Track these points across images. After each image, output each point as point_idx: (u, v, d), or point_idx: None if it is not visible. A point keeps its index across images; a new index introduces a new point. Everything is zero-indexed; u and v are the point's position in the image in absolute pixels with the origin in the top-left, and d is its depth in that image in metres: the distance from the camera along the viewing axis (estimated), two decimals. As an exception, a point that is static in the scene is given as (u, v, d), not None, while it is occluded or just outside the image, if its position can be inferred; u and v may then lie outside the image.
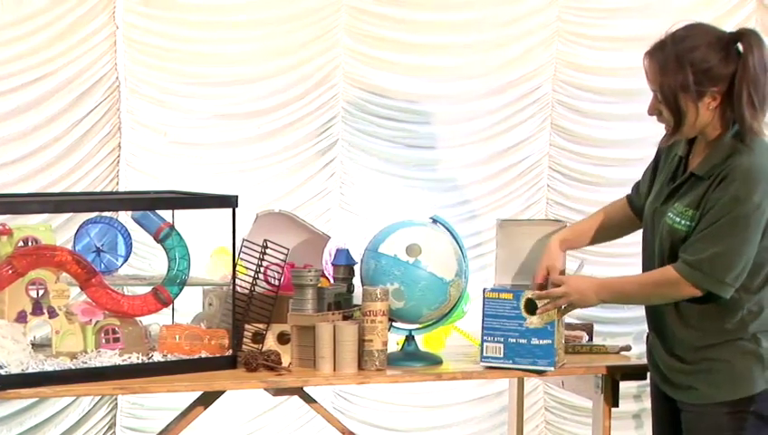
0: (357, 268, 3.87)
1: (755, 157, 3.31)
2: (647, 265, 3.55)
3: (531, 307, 3.63)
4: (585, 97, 5.52)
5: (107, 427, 5.09)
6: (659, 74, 3.33)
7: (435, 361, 3.82)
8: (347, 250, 3.91)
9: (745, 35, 3.33)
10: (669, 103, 3.33)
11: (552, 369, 3.64)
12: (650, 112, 3.42)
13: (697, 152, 3.45)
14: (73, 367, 3.48)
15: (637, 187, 3.70)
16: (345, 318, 3.75)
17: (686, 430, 3.46)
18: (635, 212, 3.69)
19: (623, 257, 5.49)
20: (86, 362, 3.51)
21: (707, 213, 3.31)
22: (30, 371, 3.41)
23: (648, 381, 3.82)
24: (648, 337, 3.63)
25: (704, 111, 3.33)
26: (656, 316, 3.52)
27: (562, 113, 5.50)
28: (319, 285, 3.75)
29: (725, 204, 3.28)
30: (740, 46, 3.32)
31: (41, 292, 3.57)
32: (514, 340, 3.64)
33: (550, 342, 3.61)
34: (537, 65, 5.46)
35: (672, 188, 3.45)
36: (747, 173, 3.28)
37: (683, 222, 3.36)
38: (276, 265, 3.79)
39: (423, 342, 4.01)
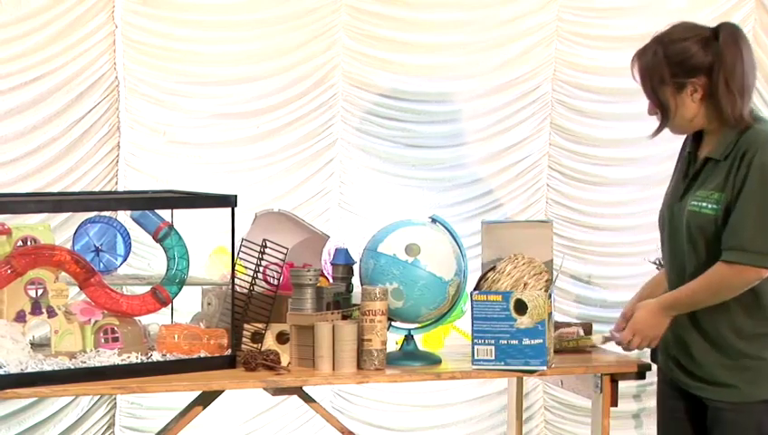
0: (356, 268, 3.87)
1: (766, 125, 3.39)
2: (676, 267, 3.52)
3: (520, 307, 3.62)
4: (585, 96, 5.52)
5: (106, 426, 5.09)
6: (642, 70, 3.46)
7: (434, 360, 3.82)
8: (346, 250, 3.91)
9: (724, 28, 3.44)
10: (652, 98, 3.45)
11: (545, 368, 3.63)
12: (649, 113, 3.52)
13: (706, 144, 3.50)
14: (72, 367, 3.48)
15: None
16: (344, 318, 3.75)
17: (721, 430, 3.42)
18: None
19: (626, 257, 5.50)
20: (85, 362, 3.51)
21: (740, 194, 3.32)
22: (29, 370, 3.41)
23: (646, 380, 3.82)
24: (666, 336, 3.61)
25: (688, 102, 3.42)
26: (692, 313, 3.48)
27: (562, 113, 5.49)
28: (318, 284, 3.75)
29: (752, 176, 3.31)
30: (717, 42, 3.41)
31: (40, 291, 3.57)
32: (506, 341, 3.63)
33: (541, 341, 3.61)
34: (536, 65, 5.46)
35: (689, 180, 3.49)
36: (764, 141, 3.33)
37: (709, 206, 3.38)
38: (275, 264, 3.78)
39: (422, 341, 4.01)
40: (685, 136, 3.62)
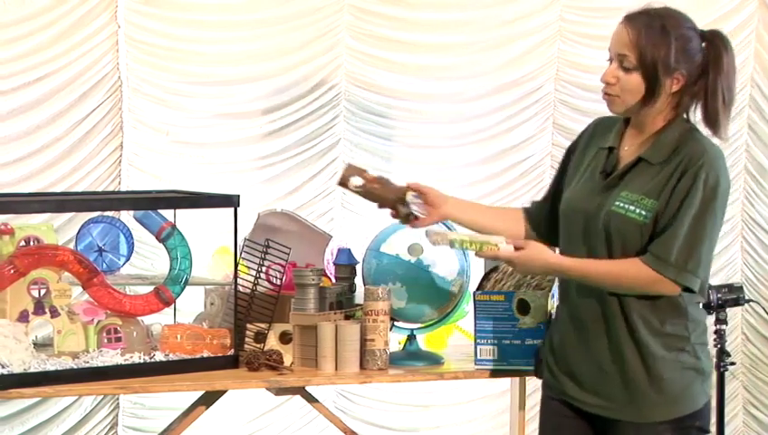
0: (359, 268, 3.87)
1: (708, 141, 3.22)
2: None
3: (523, 308, 3.61)
4: (587, 96, 5.52)
5: (109, 426, 5.09)
6: (643, 39, 3.18)
7: (437, 360, 3.82)
8: (348, 249, 3.91)
9: (719, 35, 3.26)
10: (648, 71, 3.19)
11: None
12: (608, 79, 3.26)
13: (632, 142, 3.29)
14: (75, 367, 3.48)
15: (537, 201, 3.50)
16: (347, 318, 3.75)
17: None
18: (530, 222, 3.46)
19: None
20: (88, 362, 3.51)
21: (681, 205, 3.15)
22: (32, 370, 3.41)
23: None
24: (553, 345, 3.37)
25: (667, 90, 3.21)
26: (595, 321, 3.26)
27: (565, 113, 5.50)
28: (321, 284, 3.75)
29: (695, 192, 3.14)
30: (710, 45, 3.24)
31: (43, 291, 3.57)
32: (508, 341, 3.62)
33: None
34: (539, 65, 5.46)
35: (612, 178, 3.25)
36: (712, 158, 3.17)
37: (637, 211, 3.18)
38: (278, 264, 3.78)
39: (425, 341, 4.01)
40: (589, 127, 3.43)
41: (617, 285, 3.19)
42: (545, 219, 3.42)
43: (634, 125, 3.30)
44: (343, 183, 3.37)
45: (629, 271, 3.18)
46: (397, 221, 3.44)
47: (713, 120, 3.23)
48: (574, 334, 3.30)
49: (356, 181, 3.35)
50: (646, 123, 3.27)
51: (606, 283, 3.20)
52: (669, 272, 3.15)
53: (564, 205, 3.34)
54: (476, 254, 3.28)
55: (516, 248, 3.24)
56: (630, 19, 3.23)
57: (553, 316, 3.53)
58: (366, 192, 3.36)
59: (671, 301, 3.21)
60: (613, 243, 3.20)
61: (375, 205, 3.41)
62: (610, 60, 3.27)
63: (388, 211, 3.37)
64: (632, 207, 3.19)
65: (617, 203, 3.20)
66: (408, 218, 3.37)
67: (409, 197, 3.37)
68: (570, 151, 3.45)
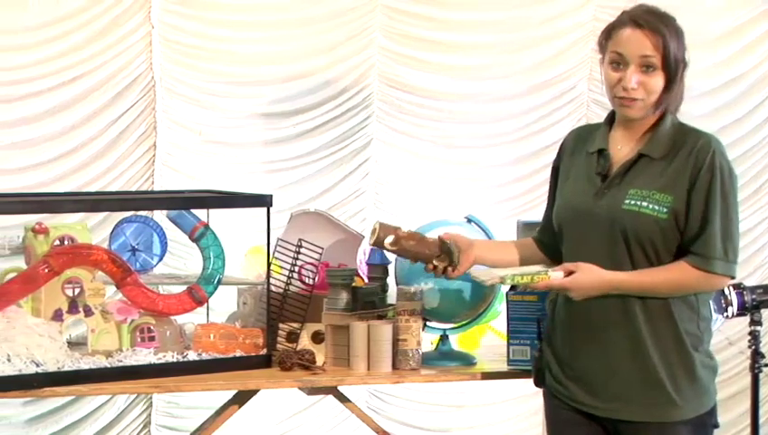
0: (391, 268, 3.87)
1: (702, 130, 3.23)
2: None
3: None
4: (621, 96, 5.49)
5: (142, 425, 5.11)
6: (668, 39, 3.17)
7: (469, 360, 3.81)
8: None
9: None
10: (671, 70, 3.18)
11: None
12: (633, 84, 3.18)
13: (625, 142, 3.27)
14: (109, 365, 3.49)
15: (543, 228, 3.46)
16: (379, 318, 3.75)
17: None
18: (545, 251, 3.45)
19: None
20: (121, 361, 3.52)
21: (708, 200, 3.15)
22: (66, 369, 3.42)
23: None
24: (556, 351, 3.33)
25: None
26: (613, 323, 3.23)
27: (598, 112, 5.47)
28: (353, 284, 3.75)
29: (716, 183, 3.15)
30: None
31: (77, 290, 3.59)
32: None
33: None
34: (573, 64, 5.45)
35: (614, 177, 3.22)
36: (717, 145, 3.19)
37: (651, 206, 3.16)
38: (311, 264, 3.79)
39: (458, 341, 4.00)
40: (568, 139, 3.39)
41: (673, 290, 3.20)
42: (556, 243, 3.37)
43: (625, 126, 3.28)
44: (378, 243, 3.40)
45: (682, 274, 3.18)
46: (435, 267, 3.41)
47: (677, 110, 3.26)
48: (583, 337, 3.26)
49: (389, 240, 3.38)
50: (641, 122, 3.25)
51: (662, 290, 3.19)
52: (718, 267, 3.17)
53: (565, 210, 3.31)
54: (529, 287, 3.30)
55: (566, 273, 3.22)
56: (645, 22, 3.20)
57: (543, 321, 3.51)
58: (401, 249, 3.40)
59: (685, 301, 3.21)
60: (630, 241, 3.19)
61: (410, 260, 3.46)
62: (618, 63, 3.21)
63: (423, 266, 3.40)
64: (644, 203, 3.18)
65: (627, 201, 3.19)
66: (446, 270, 3.39)
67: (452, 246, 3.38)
68: (555, 169, 3.42)
